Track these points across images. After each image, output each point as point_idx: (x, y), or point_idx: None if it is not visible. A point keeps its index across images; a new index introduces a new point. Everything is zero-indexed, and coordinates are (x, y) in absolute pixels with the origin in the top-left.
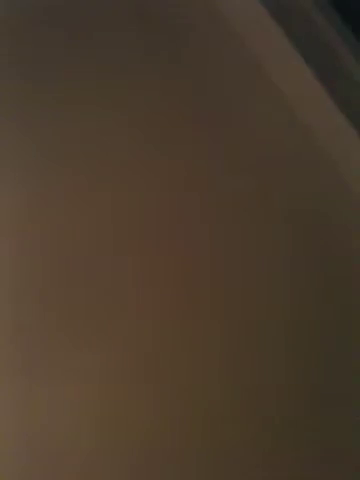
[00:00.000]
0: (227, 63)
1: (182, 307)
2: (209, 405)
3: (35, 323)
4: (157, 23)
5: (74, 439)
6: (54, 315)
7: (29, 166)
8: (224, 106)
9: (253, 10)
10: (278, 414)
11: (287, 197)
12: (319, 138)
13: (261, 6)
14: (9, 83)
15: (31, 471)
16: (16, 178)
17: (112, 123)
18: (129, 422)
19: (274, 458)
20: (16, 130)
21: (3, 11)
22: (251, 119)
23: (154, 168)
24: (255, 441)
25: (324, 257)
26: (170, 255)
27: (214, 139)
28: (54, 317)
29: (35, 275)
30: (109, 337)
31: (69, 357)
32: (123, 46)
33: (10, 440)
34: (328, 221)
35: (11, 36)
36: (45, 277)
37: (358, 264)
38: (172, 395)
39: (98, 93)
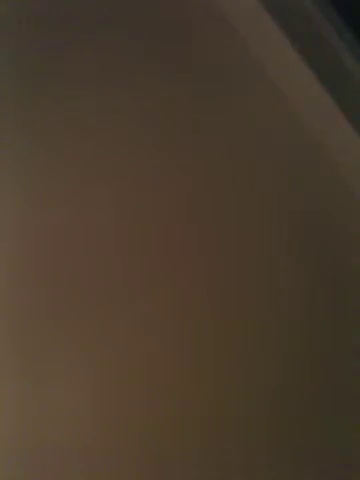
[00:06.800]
0: (227, 63)
1: (179, 307)
2: (207, 405)
3: (32, 323)
4: (157, 23)
5: (71, 439)
6: (52, 315)
7: (30, 165)
8: (224, 106)
9: (253, 10)
10: (277, 414)
11: (287, 197)
12: (319, 138)
13: (261, 6)
14: (9, 83)
15: (28, 471)
16: (17, 177)
17: (112, 123)
18: (127, 422)
19: (273, 458)
20: (17, 130)
21: (3, 11)
22: (251, 119)
23: (154, 168)
24: (254, 441)
25: (324, 257)
26: (169, 255)
27: (214, 139)
28: (51, 317)
29: (33, 276)
30: (106, 337)
31: (66, 357)
32: (123, 46)
33: (6, 440)
34: (328, 221)
35: (11, 36)
36: (43, 279)
37: (358, 264)
38: (169, 395)
39: (98, 93)
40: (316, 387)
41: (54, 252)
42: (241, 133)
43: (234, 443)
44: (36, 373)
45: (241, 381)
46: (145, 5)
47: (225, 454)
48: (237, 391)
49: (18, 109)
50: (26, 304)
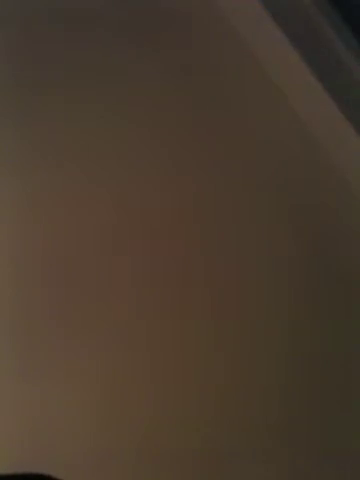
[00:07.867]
0: (227, 63)
1: (180, 306)
2: (207, 404)
3: (34, 322)
4: (157, 23)
5: (71, 438)
6: (53, 314)
7: (31, 165)
8: (224, 106)
9: (253, 11)
10: (276, 413)
11: (287, 197)
12: (319, 137)
13: (261, 7)
14: (10, 83)
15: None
16: (18, 177)
17: (112, 123)
18: (127, 421)
19: (273, 457)
20: (18, 130)
21: (3, 11)
22: (251, 119)
23: (154, 168)
24: (254, 440)
25: (324, 256)
26: (169, 254)
27: (214, 139)
28: (53, 316)
29: (34, 276)
30: (107, 337)
31: (66, 357)
32: (123, 46)
33: (7, 439)
34: (328, 220)
35: (12, 36)
36: (45, 279)
37: (358, 263)
38: (170, 395)
39: (98, 93)
40: (316, 387)
41: (55, 252)
42: (241, 132)
43: (234, 442)
44: (36, 373)
45: (240, 381)
46: (145, 5)
47: (225, 453)
48: (236, 390)
49: (19, 109)
50: (27, 304)
